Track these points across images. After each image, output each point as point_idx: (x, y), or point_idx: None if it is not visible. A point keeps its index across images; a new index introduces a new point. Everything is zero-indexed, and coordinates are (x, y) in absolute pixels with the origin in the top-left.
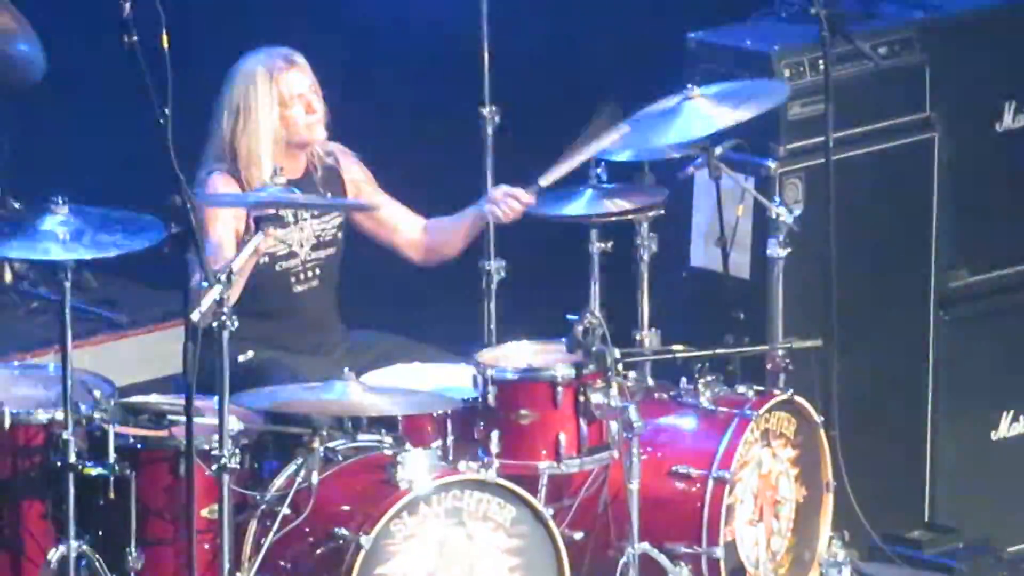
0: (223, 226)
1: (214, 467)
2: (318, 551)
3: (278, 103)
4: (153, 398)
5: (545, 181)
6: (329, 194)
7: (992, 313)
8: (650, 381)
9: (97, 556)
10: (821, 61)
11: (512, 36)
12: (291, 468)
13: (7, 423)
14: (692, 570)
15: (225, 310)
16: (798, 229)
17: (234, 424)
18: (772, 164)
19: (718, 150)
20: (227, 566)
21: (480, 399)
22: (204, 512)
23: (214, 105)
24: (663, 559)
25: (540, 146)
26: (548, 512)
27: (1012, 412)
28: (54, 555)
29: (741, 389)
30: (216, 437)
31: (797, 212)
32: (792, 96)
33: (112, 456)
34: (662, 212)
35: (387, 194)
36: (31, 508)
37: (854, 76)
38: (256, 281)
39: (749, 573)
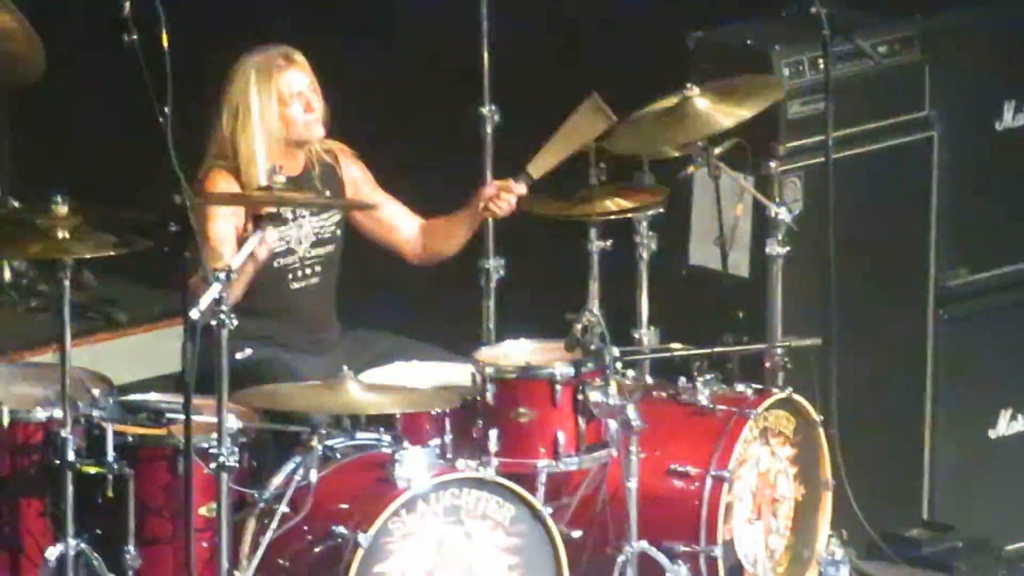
0: (223, 221)
1: (212, 465)
2: (316, 549)
3: (277, 101)
4: (152, 396)
5: (536, 171)
6: (328, 192)
7: (991, 312)
8: (649, 379)
9: (96, 554)
10: (821, 60)
11: (512, 36)
12: (289, 466)
13: (6, 421)
14: (690, 568)
15: (224, 309)
16: (797, 228)
17: (232, 422)
18: (772, 163)
19: (717, 149)
20: (225, 564)
21: (479, 397)
22: (202, 510)
23: (214, 103)
24: (661, 557)
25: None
26: (547, 510)
27: (1011, 410)
28: (53, 553)
29: (740, 387)
30: (215, 435)
31: (796, 211)
32: (792, 95)
33: (111, 454)
34: (661, 211)
35: (386, 193)
36: (30, 506)
37: (854, 75)
38: (253, 278)
39: (747, 572)
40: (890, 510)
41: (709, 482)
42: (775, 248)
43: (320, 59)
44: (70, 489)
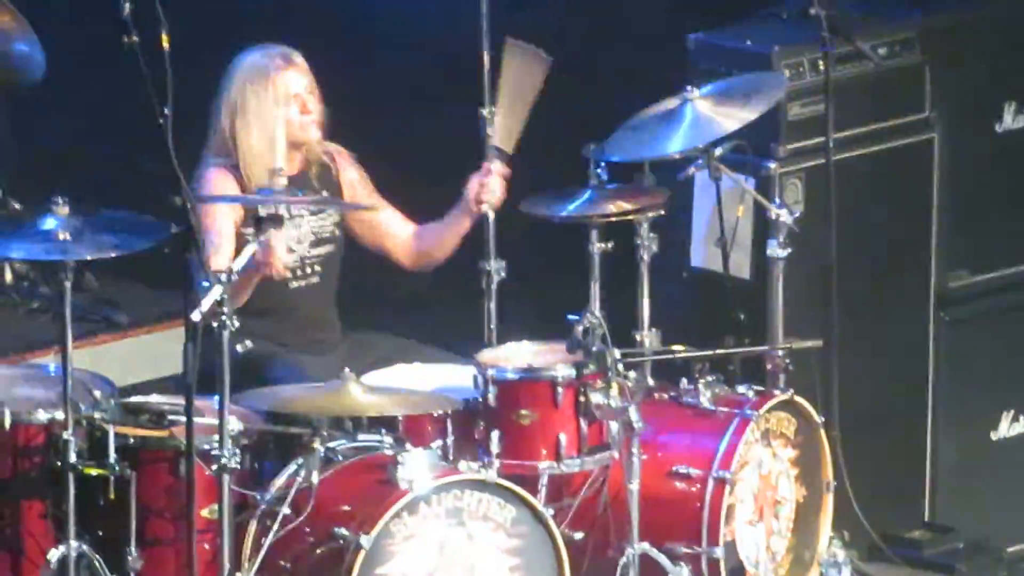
0: (223, 218)
1: (214, 467)
2: (318, 551)
3: (274, 101)
4: (153, 398)
5: (506, 144)
6: (325, 192)
7: (992, 313)
8: (650, 381)
9: (97, 556)
10: (821, 61)
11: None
12: (291, 468)
13: (7, 423)
14: (692, 570)
15: (225, 310)
16: (798, 230)
17: (234, 424)
18: (772, 165)
19: (718, 151)
20: (227, 566)
21: (480, 399)
22: (204, 512)
23: (214, 101)
24: (663, 559)
25: (539, 146)
26: (548, 512)
27: (1012, 412)
28: (54, 555)
29: (741, 389)
30: (216, 437)
31: (797, 213)
32: (792, 96)
33: (112, 456)
34: (662, 212)
35: (382, 198)
36: (31, 508)
37: (854, 76)
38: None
39: (749, 573)
40: (891, 511)
41: (711, 484)
42: (776, 250)
43: (319, 59)
44: (72, 491)
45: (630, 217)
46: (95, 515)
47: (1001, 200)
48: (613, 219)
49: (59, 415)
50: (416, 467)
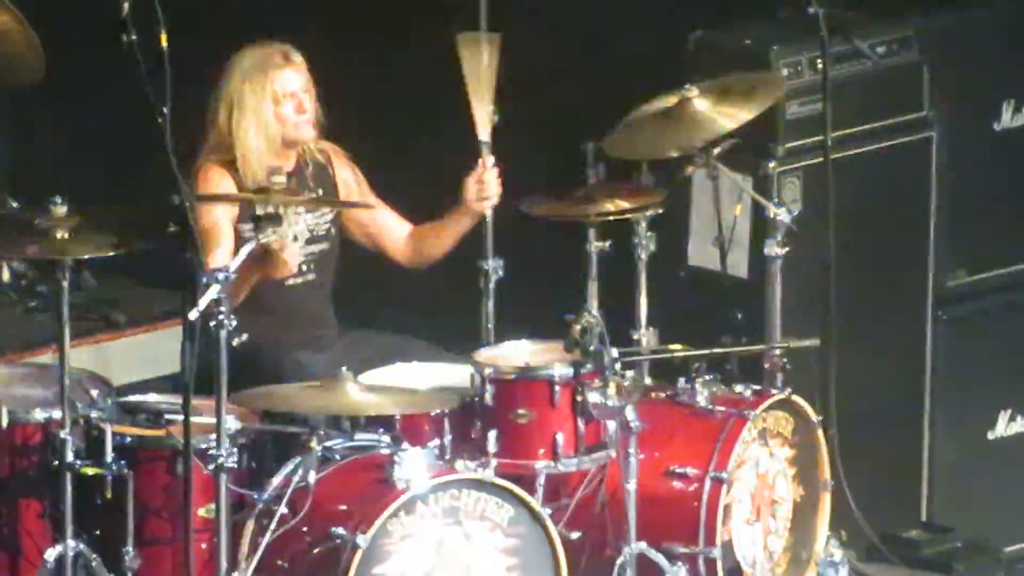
0: (221, 211)
1: (211, 466)
2: (315, 550)
3: (271, 99)
4: (150, 397)
5: (483, 134)
6: (320, 191)
7: (990, 313)
8: (648, 380)
9: (94, 555)
10: (819, 60)
11: (512, 36)
12: (288, 467)
13: (5, 422)
14: (689, 570)
15: (223, 309)
16: (796, 228)
17: (231, 423)
18: (770, 163)
19: (716, 149)
20: (224, 565)
21: (478, 398)
22: (201, 511)
23: (211, 96)
24: (660, 559)
25: (539, 146)
26: (545, 512)
27: (1009, 412)
28: (51, 554)
29: (739, 388)
30: (214, 436)
31: (795, 211)
32: (790, 95)
33: (110, 455)
34: (660, 211)
35: (378, 198)
36: (28, 507)
37: (852, 75)
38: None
39: (746, 573)
40: (889, 511)
41: (708, 483)
42: (774, 249)
43: (319, 59)
44: (69, 490)
45: (628, 216)
46: (92, 514)
47: (999, 199)
48: (611, 218)
49: (56, 414)
50: (413, 466)
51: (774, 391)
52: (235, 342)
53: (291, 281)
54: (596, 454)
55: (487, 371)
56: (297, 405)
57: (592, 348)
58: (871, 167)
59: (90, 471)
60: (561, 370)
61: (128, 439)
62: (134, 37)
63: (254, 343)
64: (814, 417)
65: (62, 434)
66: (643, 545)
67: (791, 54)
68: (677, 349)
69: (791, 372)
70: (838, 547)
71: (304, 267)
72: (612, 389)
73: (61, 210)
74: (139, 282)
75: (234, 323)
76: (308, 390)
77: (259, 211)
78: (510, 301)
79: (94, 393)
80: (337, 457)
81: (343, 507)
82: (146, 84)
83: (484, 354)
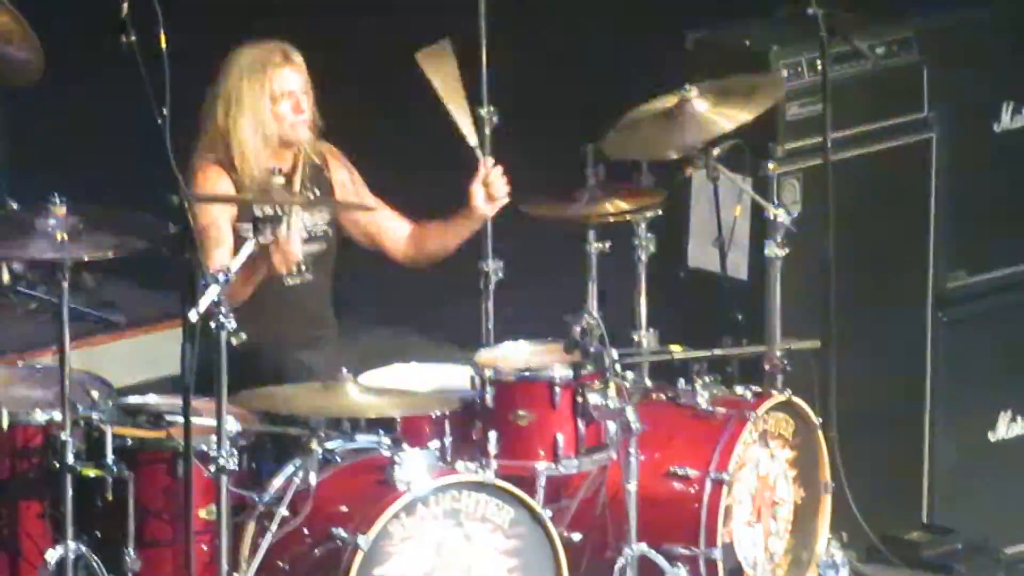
0: (219, 210)
1: (212, 468)
2: (316, 552)
3: (269, 98)
4: (151, 399)
5: (471, 139)
6: (316, 191)
7: (990, 314)
8: (648, 382)
9: (95, 557)
10: (819, 61)
11: (511, 36)
12: (289, 469)
13: (5, 424)
14: (690, 571)
15: (223, 310)
16: (796, 230)
17: (232, 425)
18: (770, 164)
19: (716, 150)
20: (225, 567)
21: (478, 400)
22: (202, 513)
23: (208, 93)
24: (661, 560)
25: (539, 147)
26: (546, 513)
27: (1010, 413)
28: (52, 556)
29: (739, 390)
30: (214, 438)
31: (795, 213)
32: (790, 96)
33: (110, 457)
34: (660, 212)
35: (378, 198)
36: (29, 509)
37: (852, 76)
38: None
39: (747, 574)
40: (889, 513)
41: (708, 485)
42: (774, 250)
43: (319, 58)
44: (69, 492)
45: (628, 217)
46: (93, 516)
47: (999, 200)
48: (611, 219)
49: (57, 416)
50: (414, 468)
51: (774, 392)
52: (235, 342)
53: (290, 281)
54: (597, 455)
55: (487, 372)
56: (298, 407)
57: (592, 349)
58: (871, 168)
59: (91, 473)
60: (561, 371)
61: (128, 441)
62: (134, 37)
63: (254, 343)
64: (815, 419)
65: (63, 436)
66: (644, 546)
67: (791, 55)
68: (677, 350)
69: (791, 373)
70: (839, 548)
71: (302, 267)
72: (612, 390)
73: (61, 210)
74: (138, 283)
75: (234, 324)
76: (309, 392)
77: (258, 212)
78: (510, 302)
79: (95, 395)
80: (338, 459)
81: (344, 509)
82: (146, 84)
83: (484, 355)
